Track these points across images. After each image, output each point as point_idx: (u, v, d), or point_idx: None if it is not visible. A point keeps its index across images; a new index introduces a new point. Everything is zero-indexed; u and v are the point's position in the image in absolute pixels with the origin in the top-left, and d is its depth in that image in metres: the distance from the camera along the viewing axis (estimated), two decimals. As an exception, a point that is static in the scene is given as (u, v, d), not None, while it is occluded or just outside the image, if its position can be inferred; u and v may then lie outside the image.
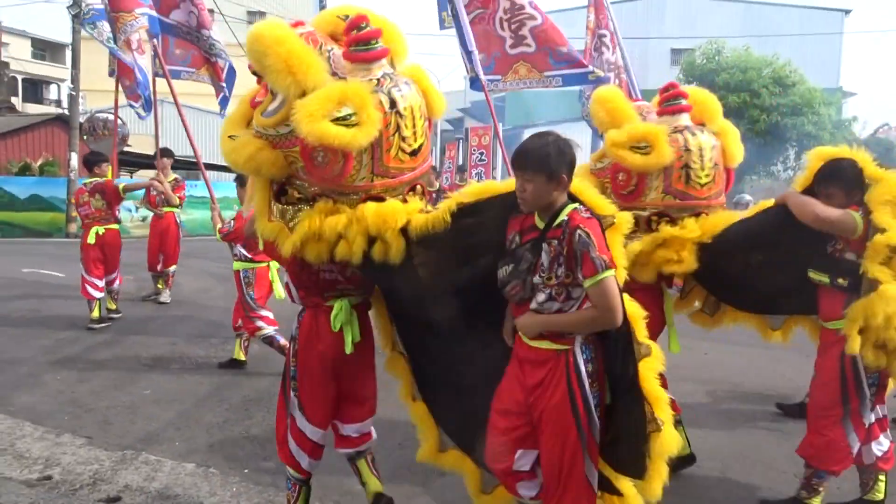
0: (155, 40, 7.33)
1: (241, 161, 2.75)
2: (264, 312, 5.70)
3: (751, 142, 13.49)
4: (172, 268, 8.90)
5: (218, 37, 8.04)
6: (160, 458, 4.00)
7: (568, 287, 2.46)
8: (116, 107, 7.78)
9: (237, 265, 5.74)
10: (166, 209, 8.72)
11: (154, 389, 5.30)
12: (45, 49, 42.35)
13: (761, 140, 13.57)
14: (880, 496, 3.49)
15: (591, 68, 6.25)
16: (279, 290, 5.58)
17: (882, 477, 3.48)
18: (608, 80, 6.92)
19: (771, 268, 3.60)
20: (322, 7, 41.44)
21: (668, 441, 2.51)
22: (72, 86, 18.64)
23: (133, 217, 16.44)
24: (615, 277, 2.40)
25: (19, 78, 35.27)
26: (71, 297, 8.69)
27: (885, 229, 3.04)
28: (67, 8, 17.91)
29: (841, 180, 3.24)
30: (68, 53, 27.06)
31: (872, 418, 3.36)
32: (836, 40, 29.48)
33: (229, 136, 2.87)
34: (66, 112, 20.70)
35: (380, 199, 2.72)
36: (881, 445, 3.45)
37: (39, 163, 19.91)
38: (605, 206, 2.57)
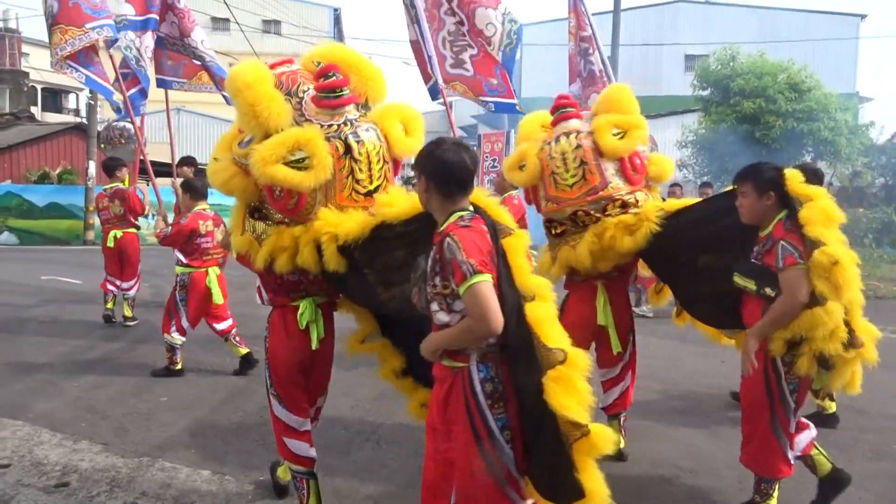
0: (111, 50, 7.29)
1: (217, 183, 3.10)
2: (184, 323, 5.83)
3: (766, 147, 13.41)
4: None
5: (200, 39, 7.97)
6: (176, 465, 4.01)
7: (447, 298, 2.37)
8: (132, 116, 7.83)
9: (177, 269, 5.91)
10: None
11: (170, 396, 5.32)
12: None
13: (777, 146, 13.46)
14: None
15: (516, 101, 6.52)
16: (218, 296, 5.82)
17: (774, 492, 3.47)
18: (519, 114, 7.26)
19: (718, 272, 3.59)
20: (337, 18, 41.71)
21: (597, 441, 2.34)
22: (90, 95, 18.87)
23: (150, 224, 16.56)
24: (488, 283, 2.25)
25: (39, 87, 35.72)
26: (88, 304, 8.77)
27: (824, 243, 3.06)
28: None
29: (754, 179, 3.28)
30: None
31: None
32: (852, 45, 29.26)
33: (214, 158, 3.19)
34: (85, 121, 20.94)
35: None
36: (809, 433, 3.53)
37: (58, 171, 20.13)
38: (503, 216, 2.56)
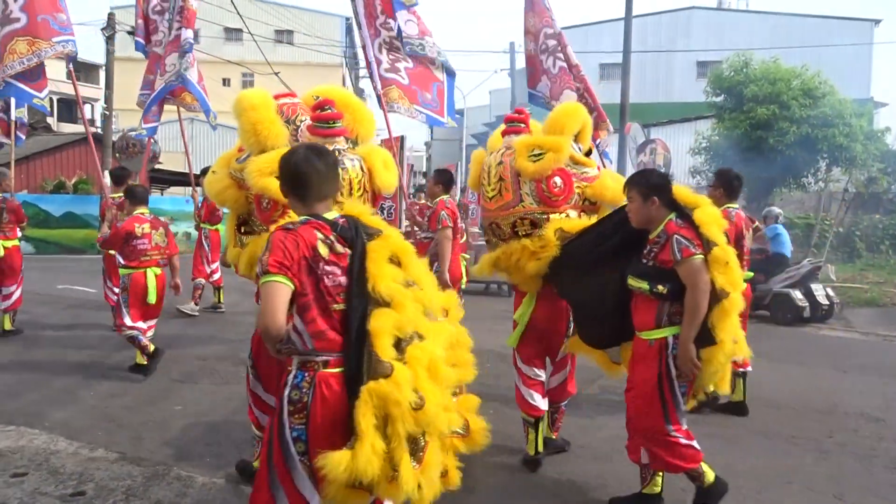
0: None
1: (213, 193, 3.55)
2: (127, 321, 6.08)
3: (780, 154, 13.32)
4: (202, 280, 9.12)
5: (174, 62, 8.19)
6: (191, 474, 4.02)
7: None
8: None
9: (120, 270, 6.24)
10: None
11: (185, 405, 5.34)
12: (79, 70, 43.40)
13: (791, 152, 13.36)
14: (657, 489, 3.65)
15: (445, 119, 6.73)
16: (152, 296, 6.11)
17: (660, 473, 3.62)
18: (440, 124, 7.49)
19: (610, 286, 3.72)
20: (348, 27, 41.96)
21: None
22: (105, 105, 19.06)
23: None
24: (275, 284, 2.23)
25: (55, 98, 36.16)
26: (104, 313, 8.83)
27: (718, 244, 3.28)
28: (101, 30, 18.40)
29: (639, 185, 3.48)
30: (102, 74, 27.72)
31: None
32: (866, 50, 29.10)
33: (212, 171, 3.64)
34: (100, 131, 21.14)
35: None
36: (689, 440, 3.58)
37: (73, 181, 20.33)
38: (374, 222, 2.57)
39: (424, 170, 56.72)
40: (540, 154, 3.89)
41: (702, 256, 3.27)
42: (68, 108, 39.56)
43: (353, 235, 2.43)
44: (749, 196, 15.24)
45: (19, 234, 7.94)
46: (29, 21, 7.01)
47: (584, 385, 6.11)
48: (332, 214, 2.47)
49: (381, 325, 2.34)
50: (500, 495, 3.81)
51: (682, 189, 3.55)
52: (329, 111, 3.43)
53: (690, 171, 16.30)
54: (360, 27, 6.59)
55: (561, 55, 6.78)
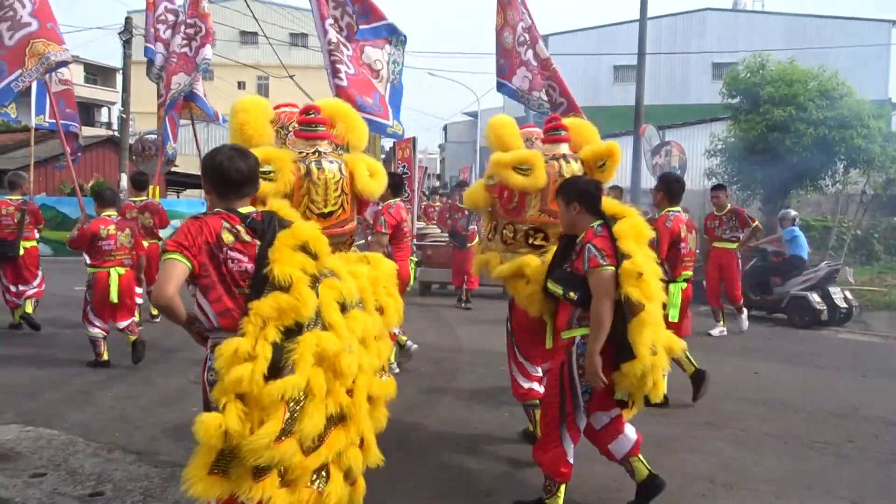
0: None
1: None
2: (91, 318, 6.52)
3: (797, 156, 13.20)
4: None
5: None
6: (208, 475, 4.03)
7: None
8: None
9: (88, 269, 6.60)
10: None
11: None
12: (96, 74, 43.84)
13: (808, 154, 13.23)
14: (559, 502, 3.59)
15: (391, 123, 6.54)
16: (113, 295, 6.43)
17: (562, 487, 3.58)
18: (401, 138, 7.72)
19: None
20: (362, 28, 41.72)
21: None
22: (122, 109, 19.23)
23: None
24: (170, 261, 2.53)
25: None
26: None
27: (630, 256, 3.38)
28: (119, 34, 18.59)
29: (563, 192, 3.69)
30: (119, 78, 27.98)
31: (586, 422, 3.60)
32: (884, 51, 28.77)
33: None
34: (117, 134, 21.33)
35: None
36: (628, 440, 3.68)
37: (91, 183, 20.51)
38: (288, 214, 2.82)
39: (438, 172, 56.79)
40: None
41: (610, 268, 3.36)
42: (86, 111, 39.97)
43: (265, 227, 2.64)
44: (765, 198, 15.12)
45: (37, 235, 8.34)
46: (40, 26, 7.32)
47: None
48: (247, 209, 2.72)
49: (262, 309, 2.52)
50: (517, 496, 3.79)
51: (611, 200, 3.76)
52: (313, 116, 3.70)
53: (706, 173, 16.18)
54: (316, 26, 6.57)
55: (538, 49, 6.88)
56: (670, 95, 30.29)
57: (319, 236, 2.72)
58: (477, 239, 9.70)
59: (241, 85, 37.27)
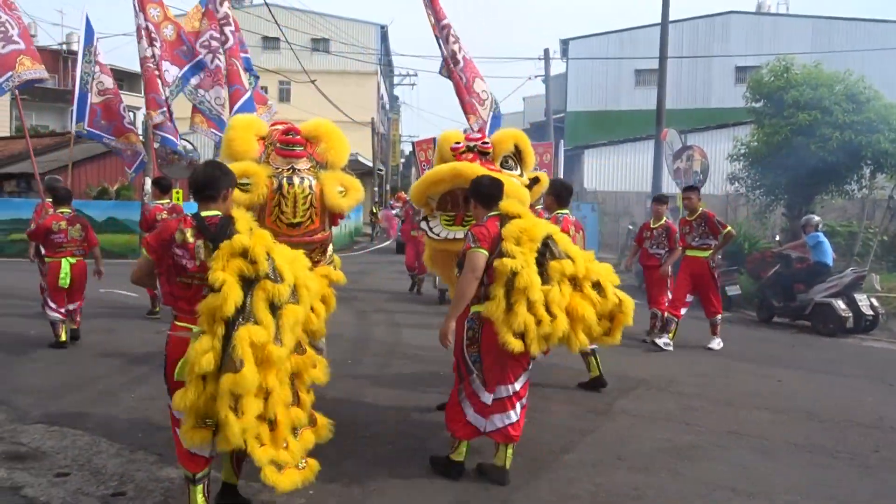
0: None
1: None
2: (51, 304, 7.30)
3: (822, 161, 13.00)
4: None
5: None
6: (228, 477, 4.06)
7: None
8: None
9: (45, 259, 7.45)
10: None
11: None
12: (122, 79, 44.39)
13: (834, 158, 13.03)
14: (460, 458, 4.08)
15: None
16: (64, 280, 7.21)
17: (462, 444, 4.08)
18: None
19: None
20: (384, 35, 42.14)
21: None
22: (147, 113, 19.45)
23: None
24: (141, 255, 3.44)
25: (98, 107, 37.24)
26: (144, 317, 9.03)
27: (512, 256, 3.82)
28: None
29: (473, 195, 4.23)
30: (142, 83, 28.33)
31: (493, 397, 3.98)
32: (913, 54, 28.31)
33: None
34: (142, 138, 21.59)
35: None
36: (508, 418, 4.00)
37: (116, 187, 20.80)
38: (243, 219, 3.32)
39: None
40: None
41: (480, 251, 3.89)
42: (111, 116, 40.58)
43: (216, 232, 3.19)
44: (789, 203, 14.92)
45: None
46: (26, 47, 8.65)
47: (620, 395, 6.05)
48: (208, 213, 3.28)
49: (202, 307, 3.08)
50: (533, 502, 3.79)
51: (511, 203, 4.16)
52: (291, 137, 4.21)
53: (729, 177, 15.99)
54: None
55: (457, 46, 7.01)
56: (692, 99, 30.07)
57: (259, 245, 3.15)
58: None
59: (263, 90, 37.57)
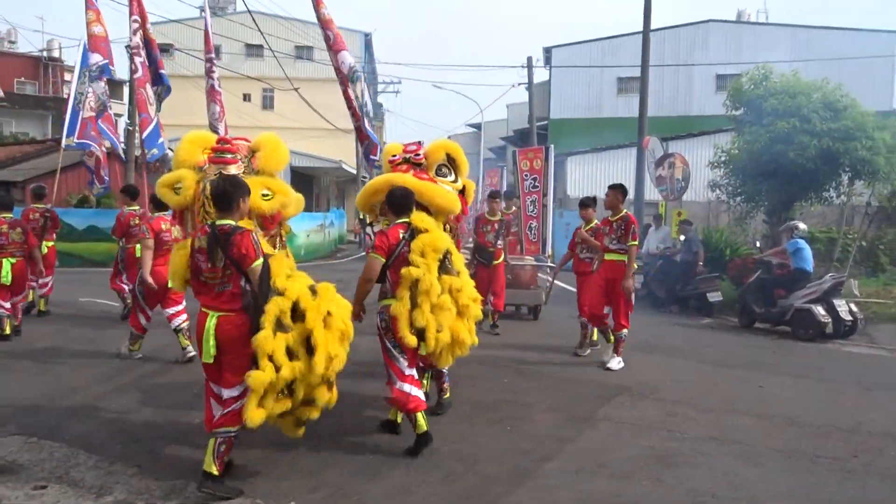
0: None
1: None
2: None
3: (801, 168, 13.15)
4: None
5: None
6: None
7: None
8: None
9: None
10: None
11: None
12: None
13: (812, 166, 13.20)
14: (424, 428, 4.62)
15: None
16: (6, 278, 8.03)
17: (421, 415, 4.65)
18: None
19: None
20: (368, 42, 42.07)
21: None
22: (128, 121, 19.35)
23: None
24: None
25: (79, 114, 36.86)
26: (124, 326, 8.92)
27: (417, 266, 4.51)
28: (126, 46, 18.68)
29: (387, 203, 4.93)
30: (126, 90, 28.15)
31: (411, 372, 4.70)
32: (888, 63, 28.74)
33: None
34: (123, 146, 21.44)
35: None
36: (417, 394, 4.69)
37: (80, 197, 20.59)
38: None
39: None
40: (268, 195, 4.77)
41: (378, 258, 4.62)
42: (92, 123, 40.18)
43: (222, 240, 3.86)
44: (770, 210, 15.07)
45: (54, 237, 10.25)
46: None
47: (603, 402, 6.07)
48: (222, 222, 3.94)
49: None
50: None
51: (423, 217, 4.79)
52: (221, 146, 4.68)
53: (710, 184, 16.14)
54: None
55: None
56: (674, 107, 30.31)
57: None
58: (503, 256, 9.58)
59: (246, 97, 37.42)
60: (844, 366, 8.40)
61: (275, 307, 3.77)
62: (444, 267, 4.66)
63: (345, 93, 7.80)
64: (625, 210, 7.71)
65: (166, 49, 33.73)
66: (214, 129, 9.40)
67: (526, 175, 11.79)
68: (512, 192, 12.56)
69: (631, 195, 18.34)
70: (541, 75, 33.05)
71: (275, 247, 4.72)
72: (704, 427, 5.46)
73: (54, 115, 30.99)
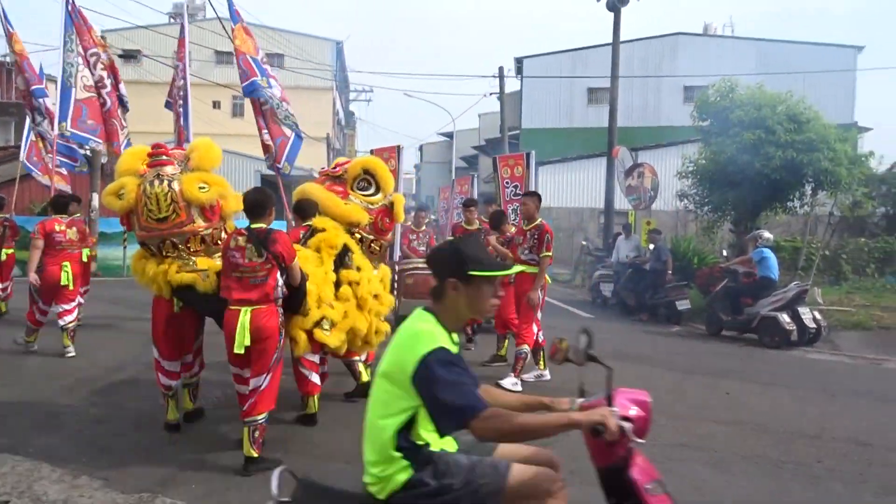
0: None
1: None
2: None
3: (766, 178, 13.42)
4: None
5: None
6: (176, 501, 3.97)
7: None
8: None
9: None
10: None
11: (165, 431, 5.27)
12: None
13: (777, 176, 13.49)
14: (313, 410, 5.46)
15: (283, 164, 9.62)
16: None
17: (316, 397, 5.47)
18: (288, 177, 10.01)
19: None
20: (339, 51, 41.97)
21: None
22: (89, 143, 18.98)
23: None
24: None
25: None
26: (91, 336, 8.75)
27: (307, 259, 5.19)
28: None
29: (293, 210, 5.82)
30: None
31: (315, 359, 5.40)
32: (850, 77, 29.54)
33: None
34: (89, 153, 21.08)
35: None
36: (314, 378, 5.42)
37: (44, 204, 20.20)
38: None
39: (414, 192, 56.85)
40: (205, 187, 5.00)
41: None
42: (57, 129, 39.45)
43: (261, 239, 4.51)
44: (736, 219, 15.34)
45: (13, 245, 10.24)
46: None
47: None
48: (257, 225, 4.62)
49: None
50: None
51: (325, 220, 5.52)
52: (155, 150, 5.09)
53: (678, 194, 16.38)
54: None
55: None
56: (643, 118, 30.75)
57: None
58: None
59: (216, 104, 37.05)
60: (809, 372, 8.57)
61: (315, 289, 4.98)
62: (344, 262, 5.38)
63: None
64: (540, 219, 7.25)
65: (134, 55, 33.35)
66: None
67: (507, 182, 11.30)
68: (492, 196, 12.24)
69: (602, 204, 18.56)
70: (512, 85, 33.34)
71: (193, 246, 5.02)
72: (673, 433, 5.52)
73: (17, 121, 30.32)
